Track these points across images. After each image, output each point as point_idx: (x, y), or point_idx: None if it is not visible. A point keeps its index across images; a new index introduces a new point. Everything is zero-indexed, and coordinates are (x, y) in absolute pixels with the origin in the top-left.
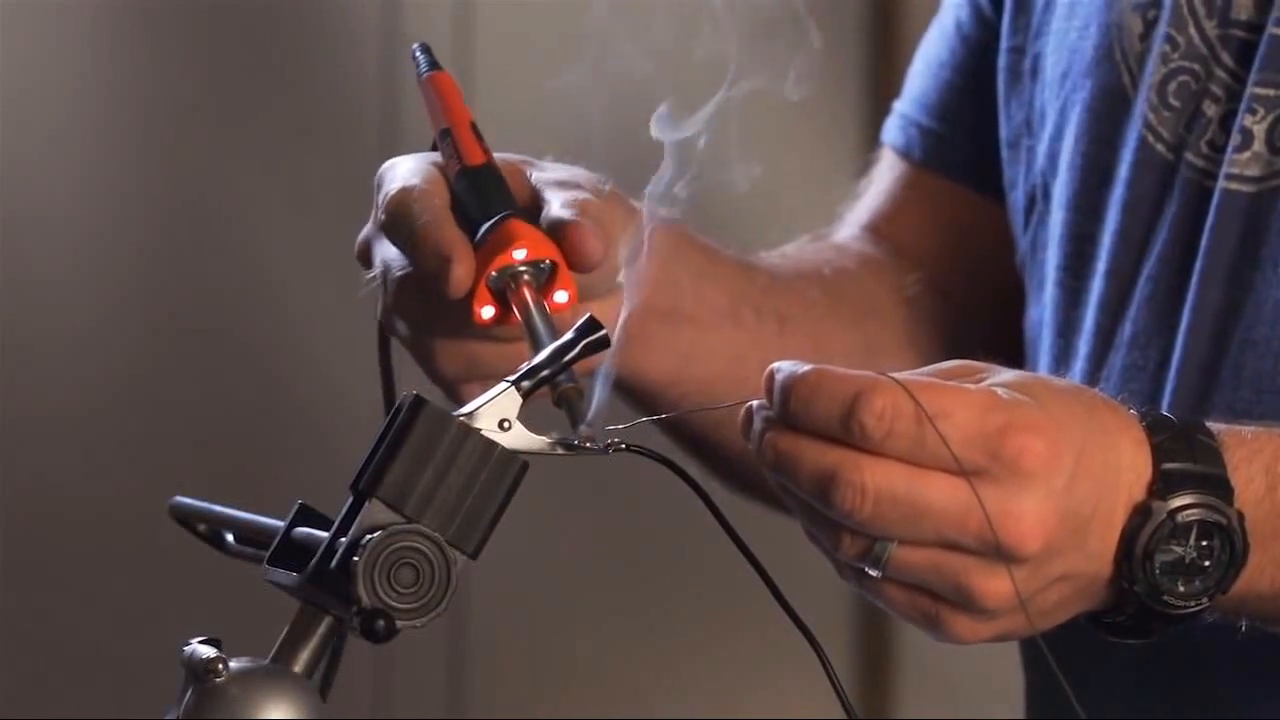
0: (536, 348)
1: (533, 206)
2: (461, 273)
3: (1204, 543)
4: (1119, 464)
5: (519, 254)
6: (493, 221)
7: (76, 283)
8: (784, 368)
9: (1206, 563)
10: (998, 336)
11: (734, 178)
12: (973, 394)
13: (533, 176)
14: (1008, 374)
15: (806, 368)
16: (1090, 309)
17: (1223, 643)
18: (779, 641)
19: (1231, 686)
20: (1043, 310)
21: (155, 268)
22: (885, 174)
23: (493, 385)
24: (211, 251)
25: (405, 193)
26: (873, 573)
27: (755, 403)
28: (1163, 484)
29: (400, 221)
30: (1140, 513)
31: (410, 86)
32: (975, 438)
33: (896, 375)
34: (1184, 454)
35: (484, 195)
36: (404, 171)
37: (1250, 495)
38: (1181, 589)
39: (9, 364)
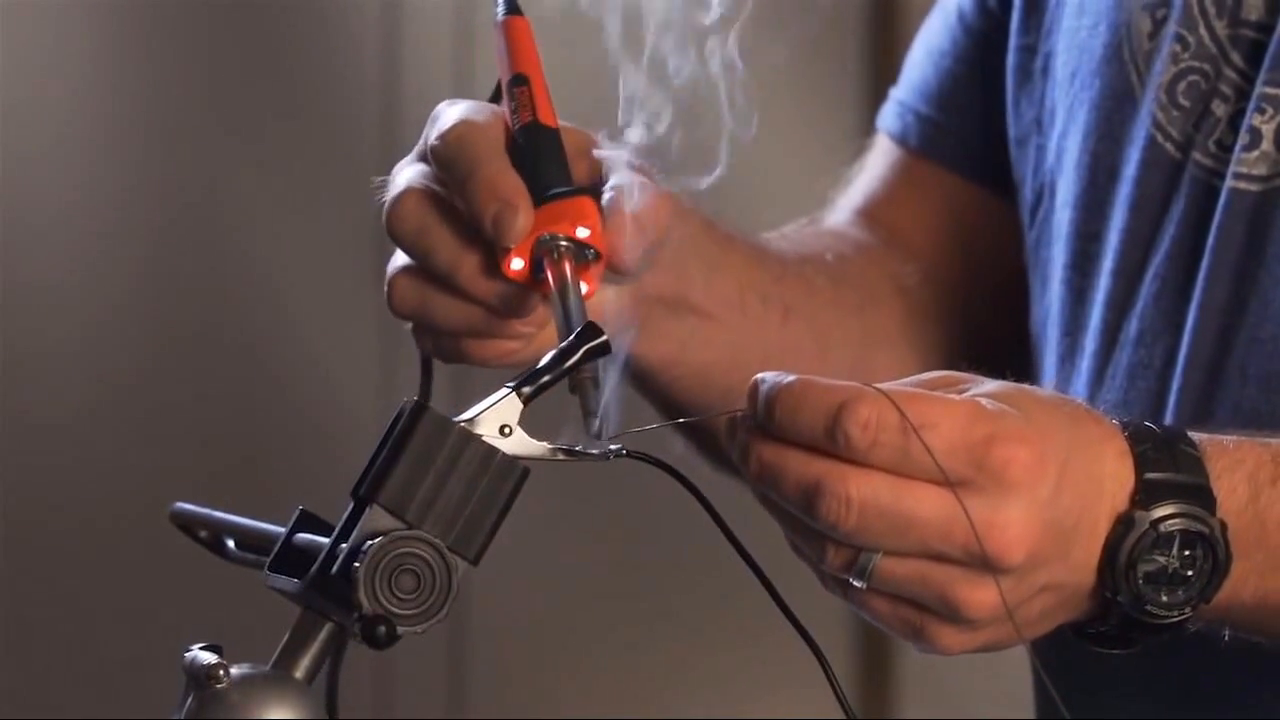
0: (566, 322)
1: (585, 179)
2: (523, 224)
3: (1187, 552)
4: (1102, 474)
5: (583, 233)
6: (569, 190)
7: (77, 284)
8: (768, 378)
9: (1189, 572)
10: (992, 328)
11: (732, 162)
12: (957, 404)
13: (600, 156)
14: (991, 384)
15: (791, 378)
16: (1096, 307)
17: (1231, 640)
18: (779, 645)
19: (1239, 685)
20: (1048, 308)
21: (155, 269)
22: (879, 160)
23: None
24: (211, 253)
25: (468, 126)
26: (857, 584)
27: (739, 413)
28: (1145, 494)
29: (458, 155)
30: (1123, 522)
31: (410, 87)
32: (960, 448)
33: (881, 386)
34: (1166, 464)
35: (547, 157)
36: (464, 109)
37: (1232, 505)
38: (1164, 599)
39: (9, 366)
